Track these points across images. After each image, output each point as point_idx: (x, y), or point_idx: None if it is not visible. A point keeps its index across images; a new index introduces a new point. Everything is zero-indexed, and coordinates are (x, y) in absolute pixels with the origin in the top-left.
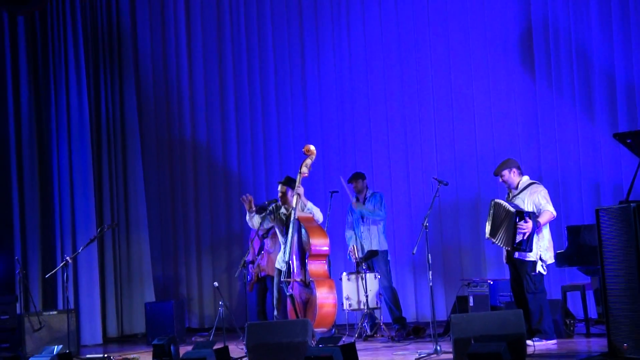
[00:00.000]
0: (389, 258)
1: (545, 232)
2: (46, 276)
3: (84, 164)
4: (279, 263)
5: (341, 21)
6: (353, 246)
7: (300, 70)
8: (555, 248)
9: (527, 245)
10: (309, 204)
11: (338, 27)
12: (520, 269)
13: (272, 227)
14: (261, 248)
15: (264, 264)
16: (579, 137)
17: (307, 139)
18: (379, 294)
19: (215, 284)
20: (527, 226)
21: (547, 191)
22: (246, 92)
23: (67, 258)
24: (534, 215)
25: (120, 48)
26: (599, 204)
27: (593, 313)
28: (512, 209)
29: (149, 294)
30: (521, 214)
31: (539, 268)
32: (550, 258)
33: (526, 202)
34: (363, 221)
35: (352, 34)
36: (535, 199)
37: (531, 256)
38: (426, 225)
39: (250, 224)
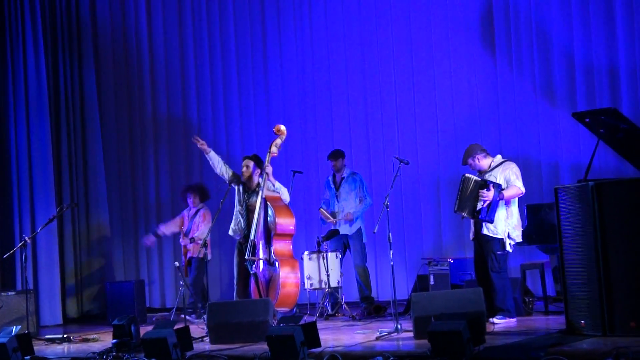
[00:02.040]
0: (364, 239)
1: (514, 210)
2: (4, 256)
3: (42, 143)
4: (234, 231)
5: (303, 2)
6: (321, 210)
7: (262, 50)
8: None
9: (487, 214)
10: (277, 184)
11: (299, 6)
12: (486, 247)
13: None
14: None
15: (190, 246)
16: (539, 116)
17: (268, 119)
18: (340, 273)
19: (176, 263)
20: (488, 194)
21: (519, 169)
22: (207, 69)
23: (26, 238)
24: (498, 187)
25: (79, 26)
26: (558, 182)
27: (552, 291)
28: (477, 179)
29: (109, 274)
30: (485, 183)
31: (507, 246)
32: (518, 237)
33: (498, 179)
34: (338, 200)
35: (313, 12)
36: (507, 174)
37: (499, 234)
38: (387, 204)
39: (218, 171)
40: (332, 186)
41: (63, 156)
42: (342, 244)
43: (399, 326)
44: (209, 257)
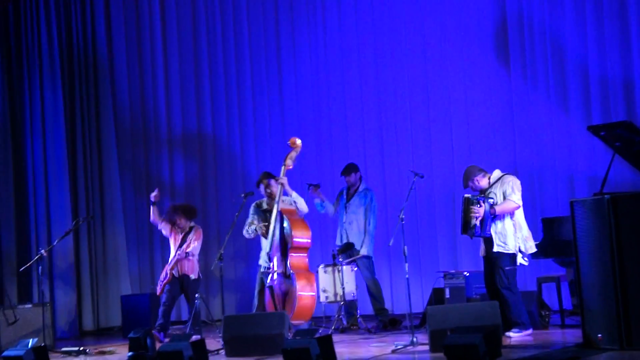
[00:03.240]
0: (371, 253)
1: (522, 222)
2: (21, 269)
3: (58, 156)
4: (263, 259)
5: (317, 16)
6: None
7: (277, 64)
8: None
9: (481, 230)
10: (294, 194)
11: (314, 22)
12: (495, 263)
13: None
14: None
15: (185, 262)
16: (554, 129)
17: (283, 133)
18: (355, 286)
19: (192, 276)
20: (479, 210)
21: (518, 182)
22: (222, 84)
23: (42, 251)
24: (490, 202)
25: (95, 42)
26: (574, 196)
27: (568, 304)
28: (468, 196)
29: (125, 286)
30: (476, 199)
31: (520, 260)
32: (531, 247)
33: (498, 194)
34: (347, 212)
35: (327, 26)
36: (505, 187)
37: (510, 249)
38: (402, 218)
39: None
40: (344, 196)
41: (79, 169)
42: (349, 256)
43: (414, 339)
44: (200, 276)
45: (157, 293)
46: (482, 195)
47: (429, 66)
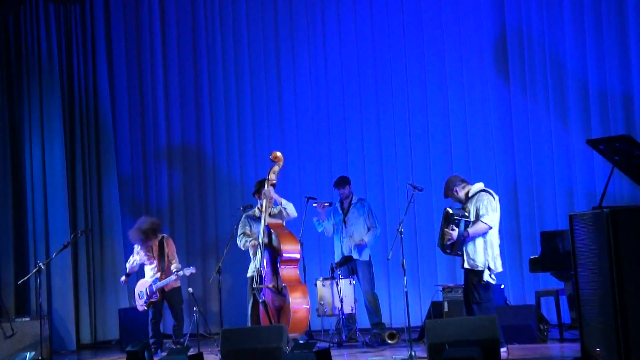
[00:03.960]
0: (373, 266)
1: (493, 240)
2: (19, 282)
3: (57, 169)
4: (250, 271)
5: (317, 32)
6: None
7: (276, 79)
8: (527, 254)
9: (452, 249)
10: (283, 201)
11: (314, 37)
12: (467, 278)
13: None
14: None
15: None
16: (553, 143)
17: (282, 147)
18: (354, 300)
19: (190, 289)
20: (452, 234)
21: (495, 202)
22: (221, 99)
23: (40, 264)
24: (465, 223)
25: (95, 55)
26: (573, 209)
27: (567, 318)
28: (449, 213)
29: (123, 300)
30: (452, 218)
31: (487, 277)
32: (499, 267)
33: (472, 211)
34: (346, 226)
35: (327, 45)
36: (478, 206)
37: (479, 266)
38: (401, 231)
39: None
40: (340, 212)
41: (77, 182)
42: (350, 269)
43: (413, 353)
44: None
45: (141, 310)
46: (462, 209)
47: (428, 80)
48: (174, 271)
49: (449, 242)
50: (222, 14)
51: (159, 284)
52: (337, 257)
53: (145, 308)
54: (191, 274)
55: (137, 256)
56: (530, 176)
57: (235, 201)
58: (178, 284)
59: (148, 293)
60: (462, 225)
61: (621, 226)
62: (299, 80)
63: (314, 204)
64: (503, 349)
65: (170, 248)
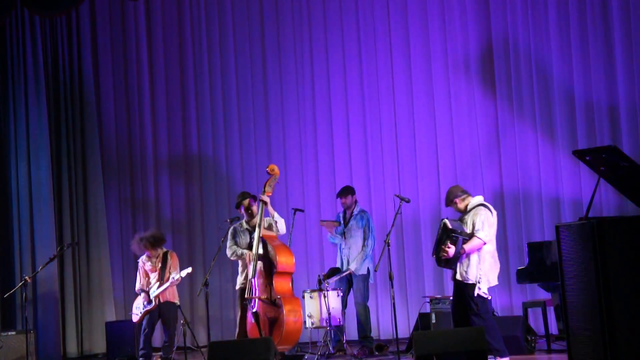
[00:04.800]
0: (371, 279)
1: (487, 255)
2: (4, 296)
3: (43, 182)
4: (239, 283)
5: (304, 42)
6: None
7: (262, 88)
8: (515, 265)
9: (447, 264)
10: (276, 214)
11: (300, 47)
12: (463, 291)
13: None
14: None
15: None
16: (539, 154)
17: (269, 157)
18: (342, 312)
19: (177, 302)
20: (448, 252)
21: (490, 215)
22: (208, 108)
23: (26, 277)
24: (462, 241)
25: (81, 66)
26: (559, 220)
27: (554, 329)
28: (448, 227)
29: (110, 312)
30: (450, 235)
31: (477, 291)
32: (493, 280)
33: (468, 224)
34: (345, 236)
35: (314, 54)
36: (475, 219)
37: (470, 279)
38: (388, 242)
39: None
40: (342, 222)
41: (64, 195)
42: (346, 280)
43: None
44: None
45: (135, 321)
46: (459, 220)
47: (415, 91)
48: (172, 276)
49: (444, 258)
50: (208, 25)
51: (157, 290)
52: (339, 266)
53: (140, 319)
54: (188, 274)
55: (141, 271)
56: (516, 187)
57: (222, 212)
58: (176, 300)
59: (145, 302)
60: (459, 242)
61: (608, 237)
62: (286, 91)
63: (322, 223)
64: (505, 359)
65: (174, 261)
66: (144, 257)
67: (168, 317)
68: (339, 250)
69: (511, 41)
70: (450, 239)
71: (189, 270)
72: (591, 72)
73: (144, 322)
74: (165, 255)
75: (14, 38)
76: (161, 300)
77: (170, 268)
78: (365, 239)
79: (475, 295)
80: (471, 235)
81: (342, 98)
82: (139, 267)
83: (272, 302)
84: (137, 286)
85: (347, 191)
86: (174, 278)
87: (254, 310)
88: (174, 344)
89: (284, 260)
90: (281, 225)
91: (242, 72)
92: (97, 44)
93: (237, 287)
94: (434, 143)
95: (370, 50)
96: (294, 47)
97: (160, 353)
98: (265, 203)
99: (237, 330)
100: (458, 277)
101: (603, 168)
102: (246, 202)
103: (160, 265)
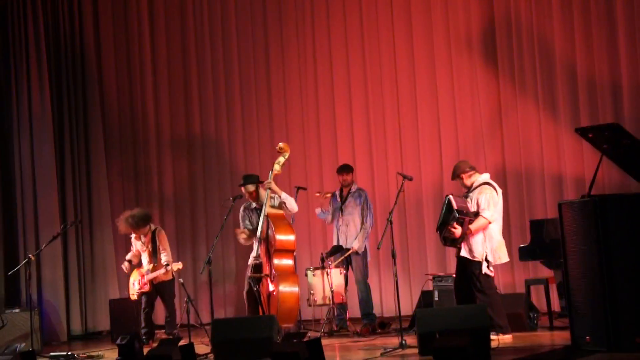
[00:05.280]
0: (368, 257)
1: (495, 234)
2: (8, 274)
3: (46, 160)
4: (251, 259)
5: (305, 20)
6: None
7: (265, 67)
8: (517, 242)
9: (452, 243)
10: (283, 194)
11: (302, 26)
12: (468, 268)
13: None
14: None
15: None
16: (542, 132)
17: (272, 136)
18: (345, 290)
19: (181, 280)
20: (455, 232)
21: (495, 194)
22: (210, 88)
23: (30, 255)
24: (468, 220)
25: (83, 44)
26: (562, 198)
27: (556, 306)
28: (454, 207)
29: (113, 290)
30: (456, 216)
31: (484, 269)
32: (500, 258)
33: (473, 202)
34: (343, 213)
35: (316, 33)
36: (480, 198)
37: (477, 257)
38: (391, 220)
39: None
40: (339, 199)
41: (66, 173)
42: (344, 259)
43: (403, 342)
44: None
45: (132, 299)
46: (464, 196)
47: (417, 69)
48: (163, 264)
49: (451, 238)
50: (210, 5)
51: (148, 276)
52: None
53: (137, 298)
54: (178, 269)
55: (133, 247)
56: (519, 165)
57: (225, 191)
58: (169, 277)
59: (140, 283)
60: (465, 223)
61: (610, 214)
62: (288, 70)
63: (317, 194)
64: (507, 335)
65: (162, 241)
66: (134, 236)
67: (164, 295)
68: (335, 228)
69: (514, 18)
70: (456, 219)
71: (180, 266)
72: (594, 49)
73: (143, 302)
74: (153, 234)
75: (15, 13)
76: (154, 282)
77: (159, 249)
78: (364, 216)
79: (480, 272)
80: (476, 215)
81: (345, 76)
82: (132, 242)
83: (271, 280)
84: (129, 255)
85: (348, 168)
86: (166, 268)
87: (255, 287)
88: (175, 319)
89: (283, 238)
90: (291, 204)
91: (244, 49)
92: (99, 19)
93: (249, 262)
94: (436, 121)
95: (373, 28)
96: (295, 22)
97: (163, 330)
98: (270, 188)
99: (246, 304)
100: (463, 254)
101: (605, 145)
102: (245, 188)
103: (150, 245)
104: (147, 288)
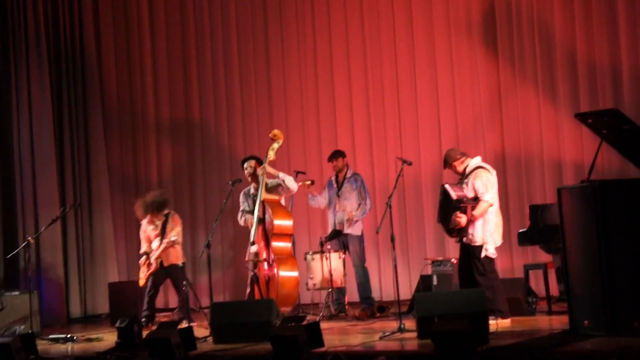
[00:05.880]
0: (364, 241)
1: (491, 216)
2: (7, 257)
3: (45, 143)
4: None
5: (305, 4)
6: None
7: (265, 52)
8: (516, 227)
9: (459, 233)
10: (280, 174)
11: (302, 11)
12: (470, 252)
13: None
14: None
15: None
16: (541, 116)
17: (271, 120)
18: (344, 273)
19: (180, 263)
20: (460, 221)
21: (490, 176)
22: (209, 71)
23: (29, 238)
24: (470, 207)
25: (82, 28)
26: (561, 183)
27: (555, 291)
28: (453, 197)
29: (112, 273)
30: (458, 205)
31: (486, 253)
32: (498, 240)
33: (469, 187)
34: (339, 199)
35: (316, 17)
36: (476, 183)
37: (478, 241)
38: (390, 205)
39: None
40: (334, 185)
41: (66, 156)
42: (341, 244)
43: (402, 326)
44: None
45: (140, 284)
46: (459, 184)
47: (417, 54)
48: (171, 239)
49: (457, 228)
50: None
51: (155, 252)
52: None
53: (144, 280)
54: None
55: (143, 234)
56: (518, 150)
57: (224, 175)
58: (180, 261)
59: (148, 266)
60: (468, 210)
61: (609, 199)
62: (287, 54)
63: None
64: (506, 320)
65: (175, 222)
66: (145, 222)
67: (175, 279)
68: (332, 214)
69: (514, 2)
70: (458, 208)
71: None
72: (594, 34)
73: (149, 283)
74: (166, 217)
75: (14, 0)
76: (165, 265)
77: (170, 229)
78: (362, 199)
79: (482, 256)
80: (476, 200)
81: (344, 61)
82: (141, 232)
83: (269, 264)
84: (142, 249)
85: (337, 154)
86: (171, 240)
87: (254, 272)
88: (186, 304)
89: (281, 223)
90: (290, 183)
91: (243, 34)
92: (98, 6)
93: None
94: (435, 105)
95: (373, 14)
96: (295, 8)
97: (163, 313)
98: (265, 172)
99: (248, 291)
100: (465, 239)
101: (605, 131)
102: (247, 163)
103: (161, 227)
104: (154, 267)
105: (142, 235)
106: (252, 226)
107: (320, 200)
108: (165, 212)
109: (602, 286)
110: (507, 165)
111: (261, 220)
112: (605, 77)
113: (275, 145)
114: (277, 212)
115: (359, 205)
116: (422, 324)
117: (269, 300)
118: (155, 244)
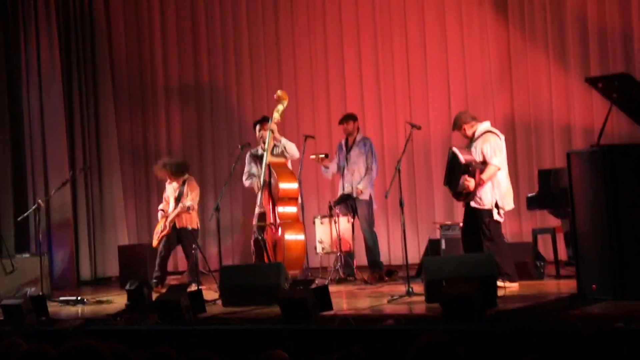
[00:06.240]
0: (374, 205)
1: (502, 180)
2: (18, 219)
3: (54, 107)
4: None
5: None
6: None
7: (274, 14)
8: (525, 192)
9: (467, 197)
10: (283, 139)
11: None
12: (477, 216)
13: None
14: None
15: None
16: (552, 81)
17: (280, 84)
18: (352, 238)
19: (190, 227)
20: (468, 185)
21: (499, 140)
22: (218, 34)
23: (39, 201)
24: (478, 171)
25: None
26: (570, 147)
27: (563, 255)
28: (462, 161)
29: (122, 236)
30: (467, 169)
31: (495, 216)
32: (508, 204)
33: (477, 151)
34: (348, 163)
35: None
36: (485, 147)
37: (486, 205)
38: (399, 169)
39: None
40: (344, 148)
41: (75, 120)
42: (349, 207)
43: (410, 290)
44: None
45: (154, 245)
46: (467, 148)
47: (427, 17)
48: (186, 204)
49: (465, 192)
50: None
51: (170, 217)
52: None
53: (157, 243)
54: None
55: (166, 192)
56: (528, 114)
57: (233, 139)
58: (193, 225)
59: (161, 226)
60: (477, 173)
61: (619, 164)
62: (297, 18)
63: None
64: (514, 284)
65: (192, 188)
66: (167, 182)
67: (184, 243)
68: (342, 177)
69: None
70: (467, 172)
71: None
72: None
73: (161, 245)
74: (184, 182)
75: None
76: (177, 227)
77: (187, 193)
78: (369, 164)
79: (490, 220)
80: (484, 164)
81: (354, 24)
82: (165, 186)
83: (276, 228)
84: (160, 206)
85: (349, 117)
86: (184, 204)
87: (261, 236)
88: (195, 268)
89: (286, 187)
90: (291, 149)
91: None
92: None
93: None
94: (445, 70)
95: None
96: None
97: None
98: (271, 131)
99: (254, 255)
100: (472, 203)
101: (615, 95)
102: (259, 126)
103: (178, 192)
104: (167, 230)
105: (164, 194)
106: (258, 190)
107: (333, 166)
108: (185, 177)
109: (610, 250)
110: (517, 129)
111: (267, 184)
112: (615, 42)
113: (280, 107)
114: (282, 176)
115: (366, 170)
116: (430, 287)
117: (278, 264)
118: (171, 206)
